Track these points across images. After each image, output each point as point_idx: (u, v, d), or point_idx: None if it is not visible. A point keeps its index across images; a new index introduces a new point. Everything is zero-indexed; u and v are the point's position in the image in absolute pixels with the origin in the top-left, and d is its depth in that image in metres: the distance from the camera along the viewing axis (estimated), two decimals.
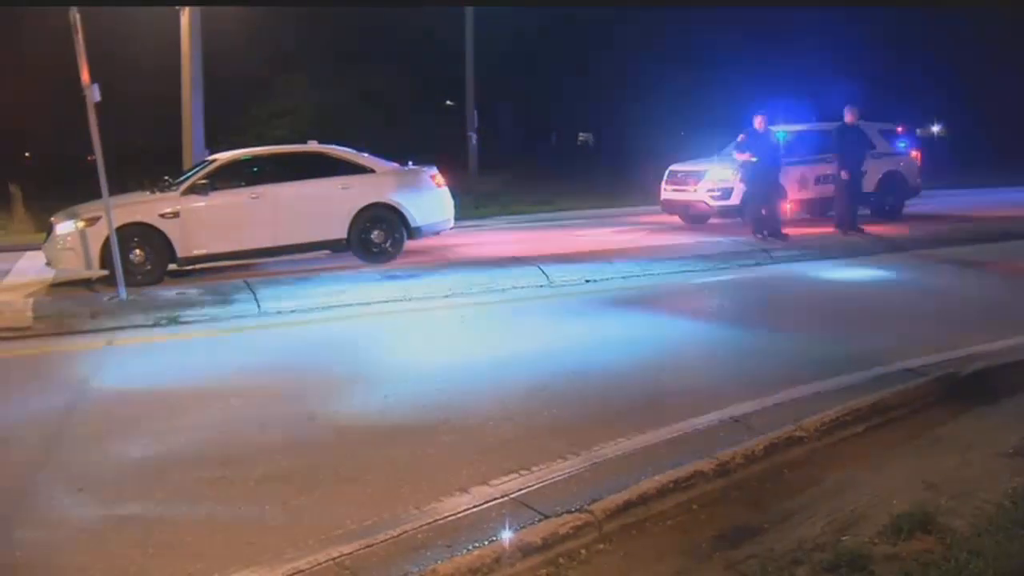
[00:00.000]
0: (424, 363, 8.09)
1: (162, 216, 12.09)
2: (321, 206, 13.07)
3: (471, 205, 21.41)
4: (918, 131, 37.03)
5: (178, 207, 12.21)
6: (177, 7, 18.31)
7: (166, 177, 13.28)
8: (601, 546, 4.42)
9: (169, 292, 10.74)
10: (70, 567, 4.33)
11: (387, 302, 10.75)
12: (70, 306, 10.08)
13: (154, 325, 9.75)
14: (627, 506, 4.67)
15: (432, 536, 4.46)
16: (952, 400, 6.57)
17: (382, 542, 4.38)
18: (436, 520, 4.63)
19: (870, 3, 38.11)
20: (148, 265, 11.96)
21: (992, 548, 4.07)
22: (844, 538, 4.35)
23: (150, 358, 8.57)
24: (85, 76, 10.13)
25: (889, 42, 40.82)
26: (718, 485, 5.07)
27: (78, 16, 9.96)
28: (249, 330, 9.61)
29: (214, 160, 13.29)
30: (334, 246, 13.32)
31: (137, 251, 11.88)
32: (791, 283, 12.05)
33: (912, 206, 18.99)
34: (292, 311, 10.33)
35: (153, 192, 12.67)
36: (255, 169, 13.21)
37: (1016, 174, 27.60)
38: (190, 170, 14.01)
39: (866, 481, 5.14)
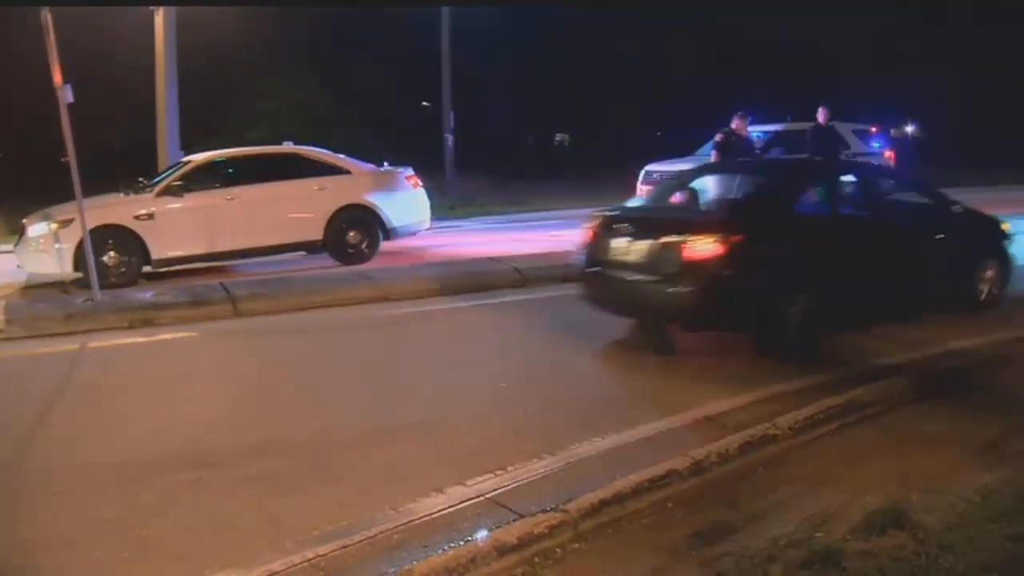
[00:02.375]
0: (397, 365, 8.09)
1: (136, 218, 12.03)
2: (297, 207, 13.05)
3: (448, 206, 21.42)
4: (892, 131, 37.30)
5: (153, 209, 12.16)
6: (151, 7, 18.20)
7: (140, 179, 13.21)
8: (577, 545, 4.44)
9: (144, 294, 10.67)
10: (46, 570, 4.30)
11: (363, 303, 10.72)
12: (43, 309, 10.00)
13: (129, 327, 9.68)
14: (602, 505, 4.68)
15: (408, 536, 4.45)
16: (927, 397, 6.62)
17: (358, 543, 4.37)
18: (412, 520, 4.62)
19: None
20: (123, 267, 11.90)
21: (963, 543, 4.12)
22: (818, 535, 4.38)
23: (125, 361, 8.51)
24: (57, 77, 10.05)
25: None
26: (693, 484, 5.09)
27: (49, 16, 9.89)
28: (225, 332, 9.56)
29: (189, 161, 13.25)
30: (310, 247, 13.30)
31: (111, 253, 11.83)
32: None
33: None
34: (267, 313, 10.29)
35: (127, 194, 12.61)
36: (230, 170, 13.18)
37: (991, 172, 27.87)
38: (165, 171, 13.96)
39: (840, 478, 5.18)
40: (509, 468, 5.27)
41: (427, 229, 14.83)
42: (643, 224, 8.15)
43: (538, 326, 9.57)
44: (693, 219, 7.90)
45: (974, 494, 4.73)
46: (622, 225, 8.25)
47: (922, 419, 6.21)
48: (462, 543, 4.30)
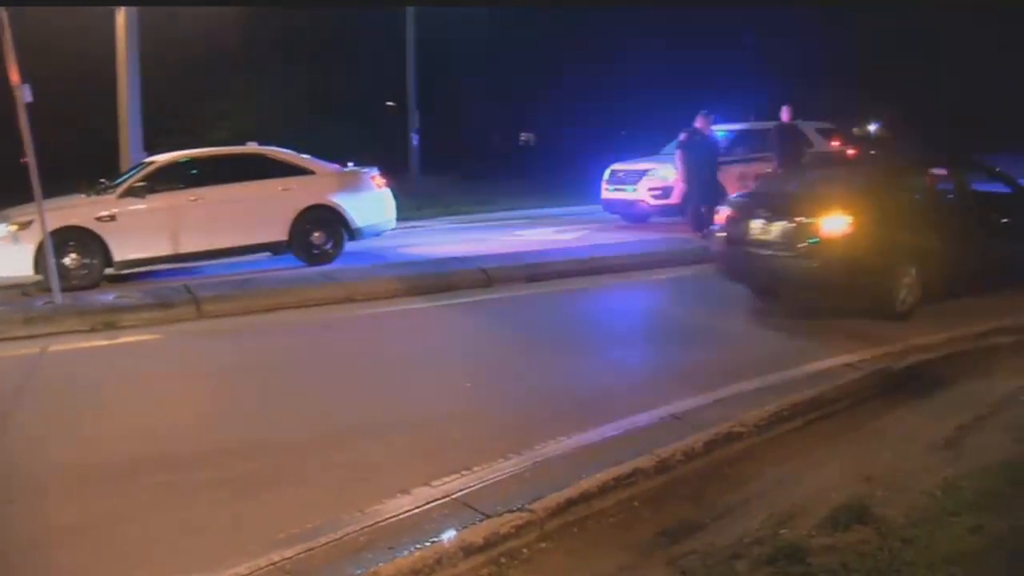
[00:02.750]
0: (364, 366, 8.07)
1: (98, 219, 11.89)
2: (261, 208, 12.97)
3: (413, 206, 21.33)
4: (855, 130, 37.65)
5: (115, 210, 12.03)
6: (113, 7, 17.99)
7: (102, 180, 13.07)
8: (543, 544, 4.44)
9: (107, 297, 10.55)
10: None
11: (328, 304, 10.67)
12: (3, 312, 9.85)
13: (91, 330, 9.56)
14: (568, 504, 4.69)
15: (374, 538, 4.43)
16: (889, 393, 6.69)
17: (323, 545, 4.35)
18: (378, 522, 4.61)
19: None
20: (84, 269, 11.75)
21: (924, 537, 4.17)
22: (783, 531, 4.41)
23: (87, 364, 8.42)
24: (14, 76, 9.92)
25: (825, 41, 41.39)
26: (659, 482, 5.11)
27: (5, 14, 9.76)
28: (189, 334, 9.49)
29: (152, 162, 13.11)
30: (275, 248, 13.20)
31: (73, 255, 11.67)
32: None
33: None
34: (232, 314, 10.21)
35: (89, 195, 12.47)
36: (194, 171, 13.05)
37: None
38: (127, 172, 13.81)
39: (805, 475, 5.22)
40: (475, 468, 5.27)
41: (393, 229, 14.78)
42: (778, 208, 9.49)
43: (504, 326, 9.58)
44: (823, 203, 9.12)
45: (935, 488, 4.78)
46: (759, 209, 9.66)
47: (884, 415, 6.27)
48: (428, 544, 4.29)
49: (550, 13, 38.84)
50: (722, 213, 10.18)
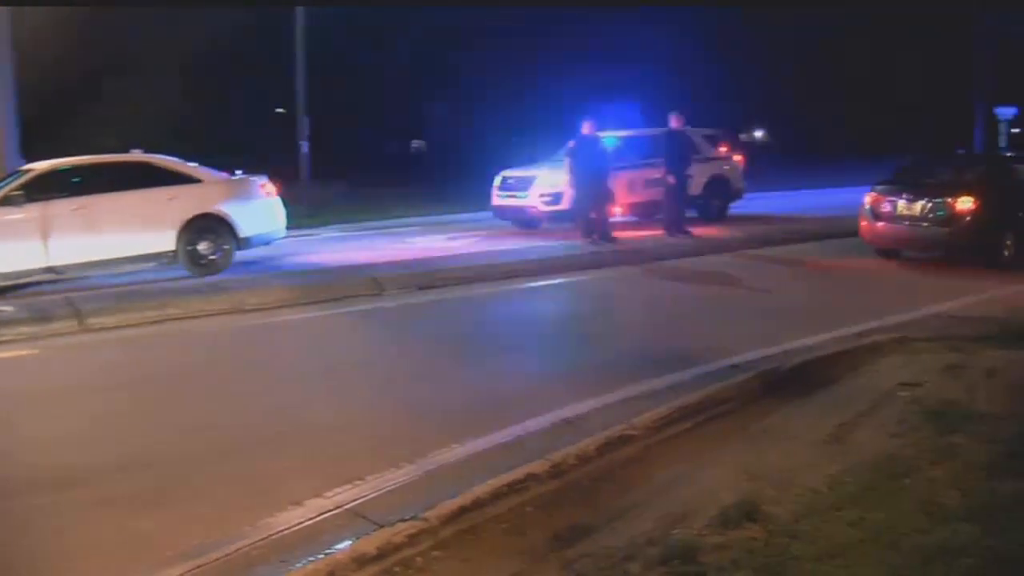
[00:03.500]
0: (254, 376, 7.93)
1: None
2: (146, 218, 12.60)
3: (304, 214, 21.04)
4: (741, 136, 38.61)
5: None
6: None
7: None
8: (437, 553, 4.40)
9: None
10: None
11: (217, 314, 10.45)
12: None
13: None
14: (462, 511, 4.67)
15: (266, 552, 4.38)
16: (775, 393, 6.84)
17: (214, 561, 4.28)
18: (270, 535, 4.55)
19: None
20: None
21: (811, 531, 4.27)
22: (675, 531, 4.46)
23: None
24: None
25: (712, 49, 42.33)
26: (552, 486, 5.12)
27: None
28: (71, 348, 9.19)
29: (30, 170, 12.62)
30: (161, 259, 12.85)
31: None
32: (623, 284, 12.34)
33: (736, 208, 19.72)
34: (117, 327, 9.92)
35: None
36: (76, 179, 12.60)
37: (831, 176, 29.06)
38: (3, 180, 13.28)
39: (696, 475, 5.29)
40: (368, 478, 5.23)
41: (283, 238, 14.56)
42: (918, 192, 13.28)
43: (396, 334, 9.54)
44: (954, 189, 13.00)
45: (821, 484, 4.89)
46: (903, 193, 13.39)
47: (771, 414, 6.41)
48: (321, 556, 4.24)
49: (444, 19, 38.85)
50: (868, 197, 13.80)
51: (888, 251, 13.88)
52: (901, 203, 13.24)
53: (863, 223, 13.87)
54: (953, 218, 12.66)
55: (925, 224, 13.00)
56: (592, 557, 4.27)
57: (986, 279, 11.87)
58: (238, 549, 4.39)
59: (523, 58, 39.50)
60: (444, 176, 31.86)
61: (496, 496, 4.86)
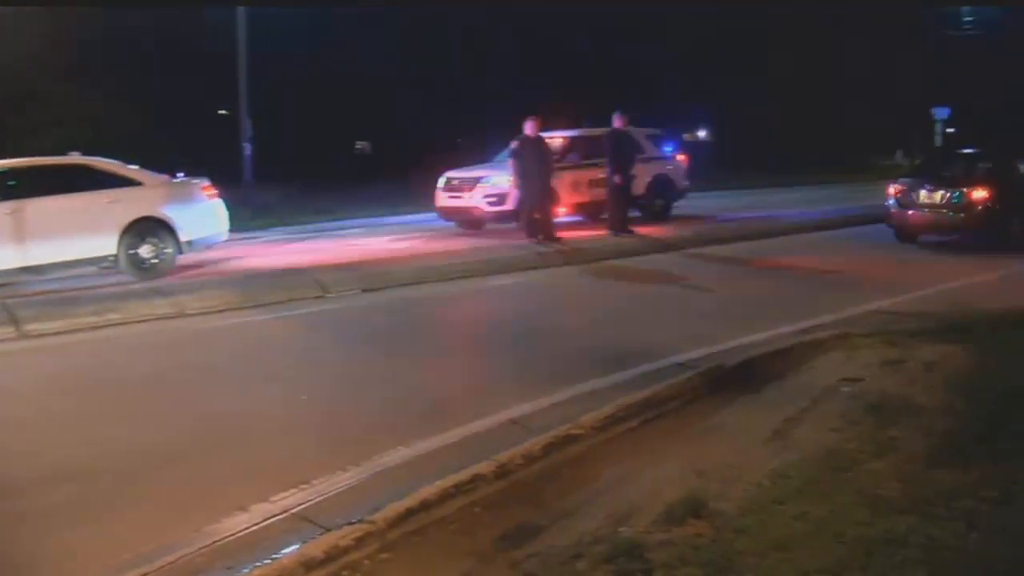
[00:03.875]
0: (196, 380, 7.84)
1: None
2: (86, 221, 12.39)
3: (248, 217, 20.85)
4: (685, 136, 38.93)
5: None
6: None
7: None
8: (385, 555, 4.38)
9: None
10: None
11: (159, 319, 10.31)
12: None
13: None
14: (409, 513, 4.64)
15: (211, 559, 4.33)
16: (719, 391, 6.90)
17: (159, 569, 4.22)
18: (215, 542, 4.49)
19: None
20: None
21: (756, 526, 4.31)
22: (621, 529, 4.48)
23: None
24: None
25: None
26: (499, 487, 5.12)
27: None
28: (8, 355, 9.00)
29: None
30: (102, 263, 12.65)
31: None
32: (569, 284, 12.39)
33: (680, 207, 19.88)
34: (56, 333, 9.73)
35: None
36: (12, 183, 12.31)
37: (776, 176, 29.50)
38: None
39: (642, 473, 5.32)
40: (314, 481, 5.19)
41: (226, 241, 14.41)
42: (938, 183, 15.06)
43: (340, 336, 9.49)
44: (969, 179, 14.94)
45: (765, 479, 4.95)
46: (924, 184, 15.26)
47: (716, 412, 6.46)
48: (268, 561, 4.19)
49: (392, 18, 38.68)
50: (892, 187, 15.72)
51: (909, 236, 15.56)
52: (923, 193, 15.10)
53: (890, 211, 15.75)
54: (969, 205, 14.49)
55: (945, 211, 14.85)
56: (540, 556, 4.27)
57: (949, 270, 12.55)
58: (184, 556, 4.33)
59: (473, 58, 39.55)
60: (391, 177, 31.69)
61: (443, 497, 4.84)
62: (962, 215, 14.57)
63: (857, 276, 12.42)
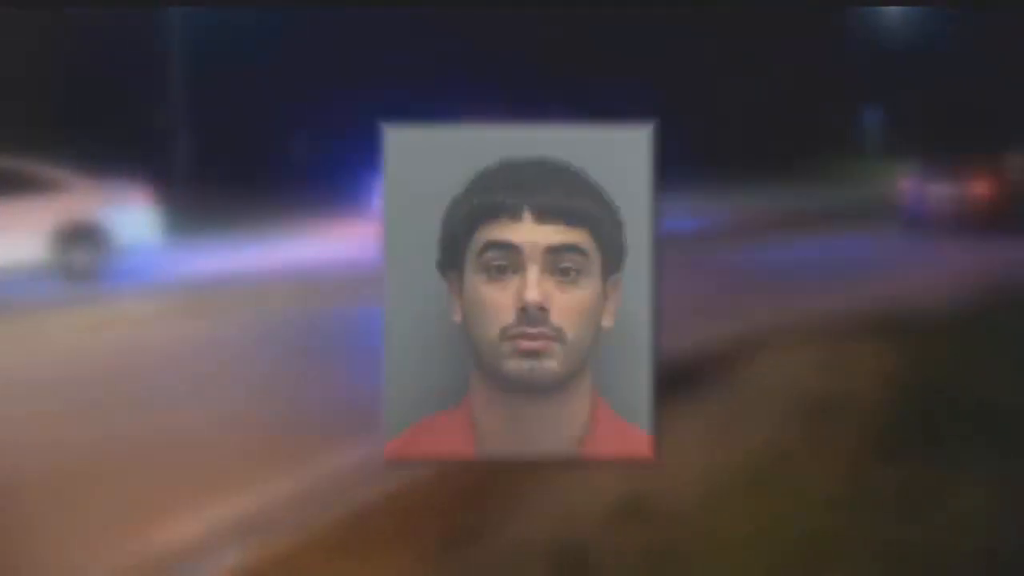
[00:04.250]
0: (129, 387, 7.72)
1: None
2: (15, 226, 12.03)
3: (184, 221, 20.49)
4: None
5: None
6: None
7: None
8: (324, 562, 4.30)
9: None
10: None
11: (90, 327, 10.11)
12: None
13: None
14: (348, 518, 4.63)
15: (146, 572, 4.29)
16: (659, 391, 6.88)
17: None
18: (148, 554, 4.41)
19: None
20: None
21: (697, 525, 4.34)
22: (564, 531, 4.46)
23: None
24: None
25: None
26: (440, 490, 5.03)
27: None
28: None
29: None
30: (29, 269, 12.31)
31: None
32: None
33: None
34: None
35: None
36: None
37: None
38: None
39: (583, 475, 5.11)
40: (251, 489, 5.17)
41: (160, 246, 14.15)
42: (946, 176, 17.02)
43: (277, 343, 9.43)
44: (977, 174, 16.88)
45: (706, 479, 4.96)
46: (933, 179, 17.19)
47: (656, 411, 6.46)
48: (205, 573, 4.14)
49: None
50: (906, 182, 17.83)
51: (924, 225, 16.95)
52: (936, 187, 17.00)
53: (905, 203, 17.61)
54: (978, 197, 16.49)
55: (955, 203, 16.58)
56: (482, 560, 4.24)
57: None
58: (115, 570, 4.26)
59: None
60: None
61: (383, 501, 4.79)
62: (971, 207, 16.43)
63: (802, 276, 12.54)
